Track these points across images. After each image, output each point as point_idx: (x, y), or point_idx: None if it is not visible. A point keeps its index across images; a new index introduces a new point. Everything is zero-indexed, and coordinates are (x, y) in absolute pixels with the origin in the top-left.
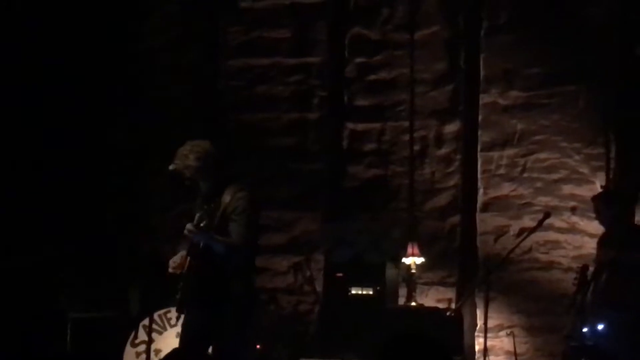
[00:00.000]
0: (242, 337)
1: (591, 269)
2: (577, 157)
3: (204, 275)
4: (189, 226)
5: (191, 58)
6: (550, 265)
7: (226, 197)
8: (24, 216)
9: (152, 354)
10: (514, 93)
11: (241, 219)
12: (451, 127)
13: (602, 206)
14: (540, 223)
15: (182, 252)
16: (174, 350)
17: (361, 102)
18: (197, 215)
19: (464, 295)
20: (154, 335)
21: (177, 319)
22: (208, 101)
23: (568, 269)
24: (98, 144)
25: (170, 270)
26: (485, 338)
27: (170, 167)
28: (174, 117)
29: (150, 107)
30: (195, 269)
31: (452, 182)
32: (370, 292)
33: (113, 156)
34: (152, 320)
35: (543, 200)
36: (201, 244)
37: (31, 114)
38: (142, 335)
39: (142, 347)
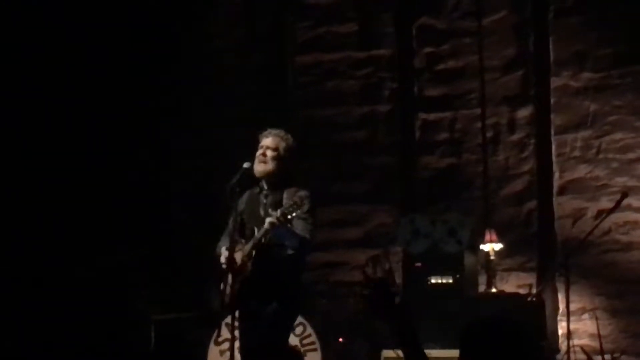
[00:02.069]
0: (288, 327)
1: None
2: None
3: (265, 269)
4: (271, 219)
5: (257, 57)
6: (630, 246)
7: (286, 195)
8: (101, 220)
9: (236, 352)
10: (585, 75)
11: (308, 216)
12: (523, 112)
13: None
14: (618, 204)
15: (226, 248)
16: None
17: (431, 92)
18: (277, 210)
19: (544, 280)
20: (236, 332)
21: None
22: (275, 99)
23: None
24: (165, 147)
25: (223, 266)
26: (568, 322)
27: (245, 165)
28: (240, 117)
29: (216, 108)
30: (257, 264)
31: (526, 167)
32: (450, 281)
33: (181, 158)
34: (234, 318)
35: (620, 180)
36: (264, 240)
37: (100, 118)
38: (225, 333)
39: (226, 345)
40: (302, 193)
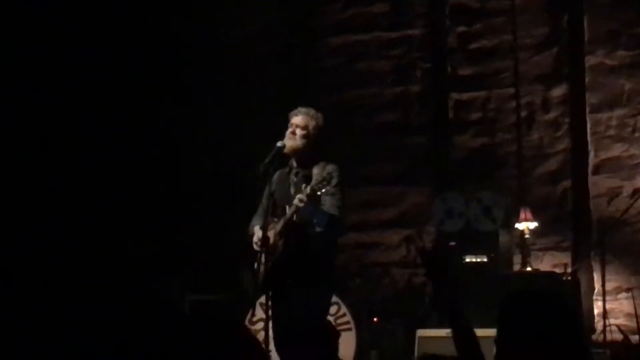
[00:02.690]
0: (325, 305)
1: None
2: None
3: (296, 248)
4: (300, 196)
5: (288, 40)
6: None
7: (315, 170)
8: (137, 208)
9: (271, 331)
10: (620, 53)
11: (337, 191)
12: (557, 91)
13: None
14: None
15: (259, 228)
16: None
17: (464, 71)
18: (306, 186)
19: (579, 259)
20: (270, 312)
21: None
22: (307, 82)
23: None
24: (197, 131)
25: (255, 247)
26: (604, 301)
27: (279, 144)
28: (269, 101)
29: (245, 93)
30: (288, 244)
31: (561, 147)
32: (485, 260)
33: (213, 142)
34: (268, 298)
35: None
36: (294, 217)
37: (135, 100)
38: (260, 313)
39: (260, 325)
40: (331, 167)
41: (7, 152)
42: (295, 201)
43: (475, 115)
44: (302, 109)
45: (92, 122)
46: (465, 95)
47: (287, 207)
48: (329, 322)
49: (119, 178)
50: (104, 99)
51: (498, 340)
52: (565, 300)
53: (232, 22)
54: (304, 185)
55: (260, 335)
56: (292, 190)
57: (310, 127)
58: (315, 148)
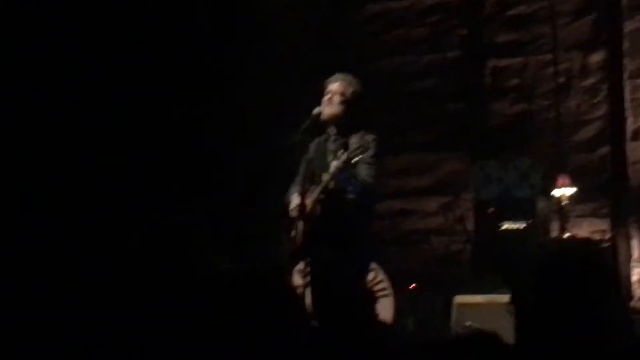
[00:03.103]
0: (362, 272)
1: None
2: None
3: (333, 214)
4: (337, 163)
5: (324, 9)
6: None
7: (353, 139)
8: (173, 176)
9: (308, 299)
10: None
11: (373, 161)
12: (596, 57)
13: None
14: None
15: (297, 195)
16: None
17: (501, 38)
18: (343, 152)
19: (618, 226)
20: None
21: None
22: (344, 50)
23: None
24: (228, 99)
25: (292, 214)
26: None
27: (315, 111)
28: (308, 69)
29: (283, 61)
30: (325, 209)
31: (599, 113)
32: (522, 226)
33: (244, 110)
34: (306, 264)
35: None
36: (330, 185)
37: (168, 71)
38: (298, 280)
39: (299, 292)
40: (369, 137)
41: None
42: (332, 168)
43: (512, 82)
44: (339, 75)
45: (120, 88)
46: (502, 62)
47: (323, 174)
48: (367, 287)
49: (149, 148)
50: (132, 61)
51: (533, 304)
52: (605, 264)
53: None
54: (340, 152)
55: None
56: (330, 158)
57: (348, 93)
58: (353, 115)
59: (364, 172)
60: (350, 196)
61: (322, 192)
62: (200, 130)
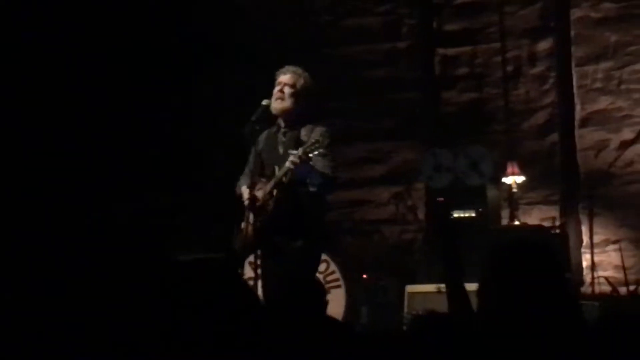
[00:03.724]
0: (314, 263)
1: None
2: None
3: (288, 207)
4: (293, 158)
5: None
6: None
7: (304, 132)
8: (132, 164)
9: (260, 290)
10: (605, 5)
11: (328, 152)
12: (544, 45)
13: None
14: None
15: (246, 187)
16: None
17: (451, 27)
18: (300, 148)
19: (568, 212)
20: (259, 271)
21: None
22: (296, 39)
23: None
24: (190, 89)
25: (246, 203)
26: (592, 254)
27: (264, 102)
28: (261, 58)
29: (239, 52)
30: (279, 203)
31: (548, 100)
32: (473, 215)
33: (202, 99)
34: (257, 256)
35: None
36: (285, 178)
37: (135, 66)
38: (249, 272)
39: (250, 283)
40: (321, 129)
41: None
42: (288, 163)
43: (462, 71)
44: (290, 67)
45: (96, 89)
46: (451, 51)
47: (276, 167)
48: (317, 280)
49: (112, 138)
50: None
51: (481, 293)
52: (551, 252)
53: None
54: (290, 148)
55: None
56: (281, 151)
57: (299, 86)
58: (303, 107)
59: (321, 164)
60: (311, 188)
61: (275, 186)
62: (166, 123)
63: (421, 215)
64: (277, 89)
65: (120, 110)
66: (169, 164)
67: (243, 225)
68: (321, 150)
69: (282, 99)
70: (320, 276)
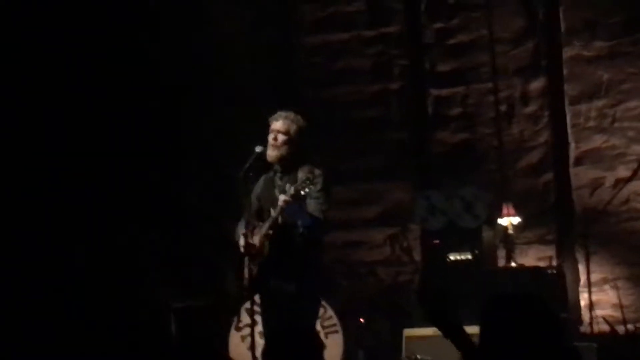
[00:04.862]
0: (314, 309)
1: None
2: None
3: (282, 249)
4: (284, 196)
5: (266, 38)
6: None
7: (301, 174)
8: (113, 204)
9: (257, 336)
10: (597, 43)
11: (321, 195)
12: (536, 84)
13: None
14: (635, 172)
15: (242, 234)
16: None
17: (442, 67)
18: (290, 186)
19: (564, 251)
20: (256, 317)
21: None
22: (286, 81)
23: None
24: (176, 131)
25: (243, 251)
26: (590, 292)
27: (257, 149)
28: (250, 99)
29: (228, 90)
30: (274, 244)
31: (542, 139)
32: (469, 257)
33: (191, 142)
34: (253, 303)
35: (637, 149)
36: (280, 219)
37: (110, 102)
38: (246, 319)
39: (247, 331)
40: (317, 171)
41: None
42: (280, 202)
43: (455, 111)
44: (282, 114)
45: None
46: (444, 91)
47: (272, 210)
48: (316, 332)
49: (96, 172)
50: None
51: (480, 341)
52: (544, 302)
53: (211, 19)
54: (287, 186)
55: (247, 342)
56: (277, 194)
57: (292, 132)
58: (298, 151)
59: (312, 206)
60: (301, 230)
61: (270, 227)
62: (149, 159)
63: (417, 256)
64: (271, 136)
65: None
66: (152, 206)
67: (241, 271)
68: (312, 187)
69: (277, 146)
70: (317, 321)
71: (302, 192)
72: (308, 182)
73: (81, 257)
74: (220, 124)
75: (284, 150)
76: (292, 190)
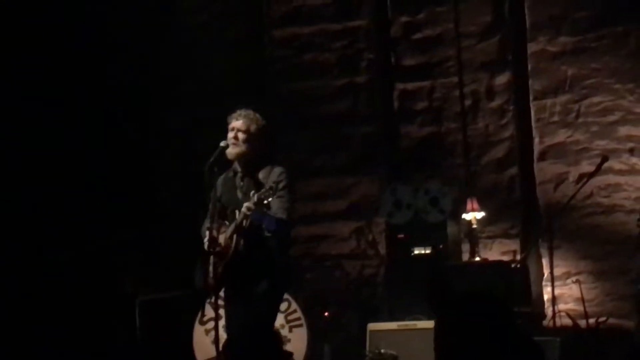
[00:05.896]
0: (275, 307)
1: None
2: (631, 98)
3: (249, 251)
4: (248, 204)
5: (233, 32)
6: (612, 209)
7: (262, 174)
8: (86, 204)
9: (221, 330)
10: (562, 39)
11: (285, 194)
12: (501, 79)
13: None
14: (599, 167)
15: (207, 232)
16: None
17: (409, 61)
18: (254, 193)
19: (528, 246)
20: (221, 311)
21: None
22: (254, 74)
23: (631, 211)
24: (147, 125)
25: (206, 246)
26: (553, 287)
27: (222, 144)
28: (218, 93)
29: (196, 85)
30: (238, 248)
31: (507, 134)
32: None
33: (163, 136)
34: (217, 297)
35: (600, 144)
36: (245, 223)
37: (81, 100)
38: (210, 313)
39: (211, 324)
40: (277, 170)
41: None
42: (244, 209)
43: (421, 105)
44: (241, 112)
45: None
46: (410, 85)
47: (236, 211)
48: (276, 330)
49: (67, 173)
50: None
51: (436, 342)
52: (501, 299)
53: (178, 12)
54: (252, 192)
55: (211, 335)
56: (240, 195)
57: (252, 130)
58: (258, 150)
59: (276, 207)
60: (266, 233)
61: (235, 231)
62: (126, 157)
63: (382, 250)
64: (230, 134)
65: (77, 149)
66: (124, 202)
67: (207, 267)
68: (276, 195)
69: (237, 144)
70: (281, 315)
71: (265, 202)
72: (271, 191)
73: (51, 251)
74: (188, 119)
75: (244, 147)
76: (255, 198)
